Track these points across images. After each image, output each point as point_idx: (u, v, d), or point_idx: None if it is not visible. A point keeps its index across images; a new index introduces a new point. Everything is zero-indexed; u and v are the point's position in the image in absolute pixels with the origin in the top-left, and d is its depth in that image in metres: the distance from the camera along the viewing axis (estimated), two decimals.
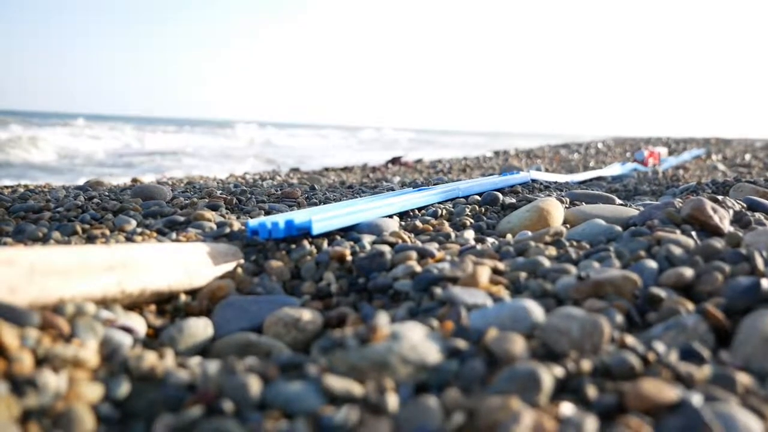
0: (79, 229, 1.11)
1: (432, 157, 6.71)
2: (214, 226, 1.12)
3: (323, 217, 1.01)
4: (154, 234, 1.06)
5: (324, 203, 1.57)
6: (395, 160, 5.20)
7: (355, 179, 3.23)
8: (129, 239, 1.03)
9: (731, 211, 1.10)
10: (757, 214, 1.14)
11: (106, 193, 1.65)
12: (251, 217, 1.29)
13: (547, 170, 3.92)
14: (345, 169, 4.51)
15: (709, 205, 0.99)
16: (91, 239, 1.04)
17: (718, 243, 0.83)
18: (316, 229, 0.98)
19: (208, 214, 1.20)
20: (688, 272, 0.74)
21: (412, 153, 8.85)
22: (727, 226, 0.98)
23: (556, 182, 2.18)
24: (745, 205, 1.24)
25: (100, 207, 1.35)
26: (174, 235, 1.04)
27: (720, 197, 1.18)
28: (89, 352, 0.58)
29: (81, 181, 2.73)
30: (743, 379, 0.53)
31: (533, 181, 2.05)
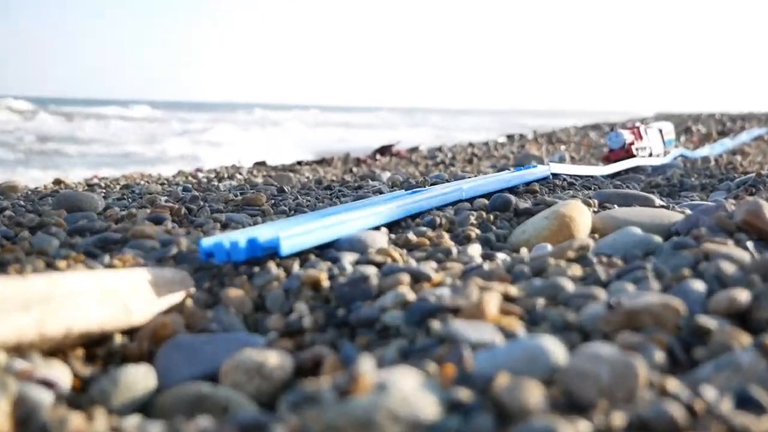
0: None
1: (431, 143, 6.73)
2: (158, 245, 1.12)
3: (294, 233, 1.01)
4: (82, 257, 1.06)
5: (295, 211, 1.57)
6: (384, 150, 5.21)
7: (334, 175, 3.24)
8: (50, 265, 1.03)
9: None
10: None
11: (21, 203, 1.65)
12: (204, 231, 1.29)
13: (572, 159, 3.94)
14: (322, 161, 4.51)
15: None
16: (2, 265, 1.04)
17: None
18: (286, 248, 0.98)
19: (150, 229, 1.20)
20: (743, 295, 0.74)
21: (407, 136, 8.86)
22: None
23: (582, 176, 2.19)
24: None
25: (14, 222, 1.35)
26: (107, 259, 1.04)
27: None
28: None
29: None
30: None
31: (554, 176, 2.06)
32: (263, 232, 1.03)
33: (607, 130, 7.76)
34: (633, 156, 2.96)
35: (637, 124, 3.30)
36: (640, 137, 3.13)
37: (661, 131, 3.43)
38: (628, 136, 3.05)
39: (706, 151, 4.06)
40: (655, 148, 3.22)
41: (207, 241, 0.99)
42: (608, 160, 3.00)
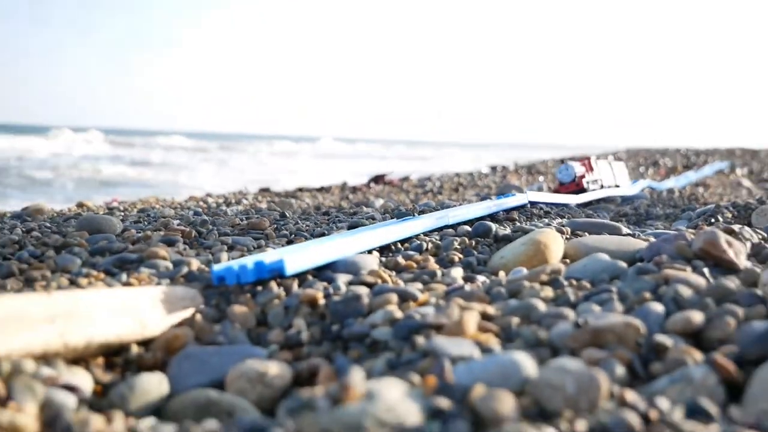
0: (16, 269, 1.12)
1: (421, 174, 6.75)
2: (170, 265, 1.13)
3: (297, 256, 1.02)
4: (102, 275, 1.07)
5: (296, 235, 1.58)
6: (378, 179, 5.22)
7: (332, 201, 3.25)
8: (73, 282, 1.04)
9: (749, 244, 1.13)
10: None
11: (47, 225, 1.66)
12: (212, 253, 1.30)
13: (549, 189, 3.95)
14: (321, 189, 4.52)
15: (723, 237, 1.02)
16: (29, 281, 1.05)
17: (732, 282, 0.86)
18: (290, 270, 1.00)
19: (163, 250, 1.21)
20: (697, 317, 0.76)
21: (399, 168, 8.88)
22: (743, 262, 1.01)
23: (558, 205, 2.20)
24: (765, 236, 1.27)
25: (41, 242, 1.36)
26: (124, 277, 1.05)
27: (737, 227, 1.21)
28: (28, 417, 0.59)
29: None
30: None
31: (532, 204, 2.08)
32: (269, 256, 1.04)
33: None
34: (584, 189, 2.70)
35: (595, 159, 2.95)
36: (591, 169, 2.86)
37: (611, 164, 3.13)
38: (579, 168, 2.77)
39: (671, 183, 4.08)
40: (606, 180, 2.99)
41: (218, 267, 1.00)
42: (558, 193, 2.61)
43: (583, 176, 2.75)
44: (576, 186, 2.71)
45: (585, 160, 2.86)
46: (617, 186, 3.06)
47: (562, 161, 2.82)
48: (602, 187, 2.87)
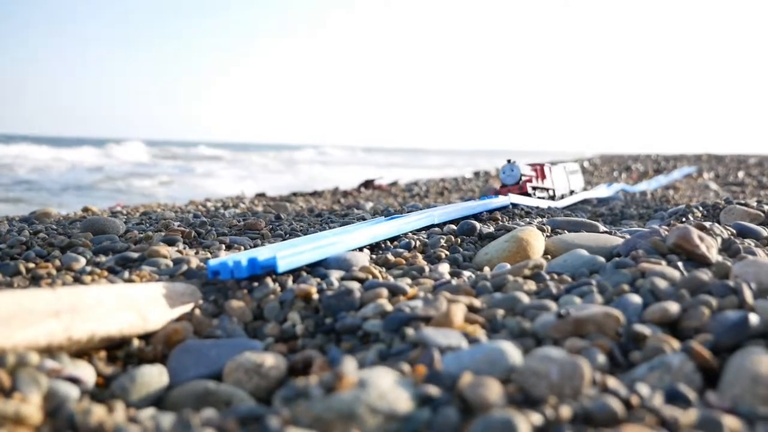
0: (23, 268, 1.10)
1: (408, 179, 6.75)
2: (171, 263, 1.11)
3: (289, 253, 1.01)
4: (105, 273, 1.06)
5: (290, 234, 1.57)
6: (368, 184, 5.21)
7: (324, 205, 3.24)
8: (77, 279, 1.02)
9: (719, 239, 1.12)
10: (747, 241, 1.17)
11: (54, 227, 1.64)
12: (210, 252, 1.29)
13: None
14: (314, 194, 4.50)
15: (695, 233, 1.01)
16: (35, 279, 1.04)
17: (705, 275, 0.85)
18: (282, 267, 0.98)
19: (164, 249, 1.19)
20: (674, 307, 0.75)
21: (387, 174, 8.87)
22: (714, 256, 1.00)
23: (537, 207, 2.19)
24: (734, 232, 1.26)
25: (47, 243, 1.34)
26: (126, 274, 1.04)
27: (708, 224, 1.21)
28: (32, 407, 0.57)
29: None
30: (731, 422, 0.53)
31: (513, 205, 2.07)
32: (262, 253, 1.03)
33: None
34: (527, 194, 2.32)
35: (549, 164, 2.62)
36: (543, 176, 2.49)
37: (566, 172, 2.79)
38: (528, 171, 2.40)
39: (643, 186, 4.09)
40: (560, 189, 2.64)
41: (213, 262, 0.99)
42: (497, 194, 2.26)
43: (529, 180, 2.39)
44: (519, 190, 2.34)
45: (537, 166, 2.53)
46: (572, 192, 2.84)
47: (509, 161, 2.41)
48: (553, 196, 2.57)
